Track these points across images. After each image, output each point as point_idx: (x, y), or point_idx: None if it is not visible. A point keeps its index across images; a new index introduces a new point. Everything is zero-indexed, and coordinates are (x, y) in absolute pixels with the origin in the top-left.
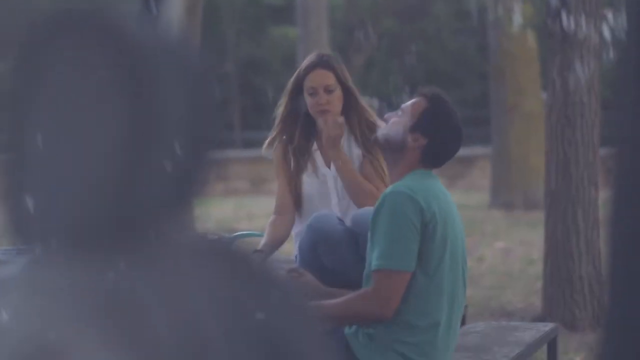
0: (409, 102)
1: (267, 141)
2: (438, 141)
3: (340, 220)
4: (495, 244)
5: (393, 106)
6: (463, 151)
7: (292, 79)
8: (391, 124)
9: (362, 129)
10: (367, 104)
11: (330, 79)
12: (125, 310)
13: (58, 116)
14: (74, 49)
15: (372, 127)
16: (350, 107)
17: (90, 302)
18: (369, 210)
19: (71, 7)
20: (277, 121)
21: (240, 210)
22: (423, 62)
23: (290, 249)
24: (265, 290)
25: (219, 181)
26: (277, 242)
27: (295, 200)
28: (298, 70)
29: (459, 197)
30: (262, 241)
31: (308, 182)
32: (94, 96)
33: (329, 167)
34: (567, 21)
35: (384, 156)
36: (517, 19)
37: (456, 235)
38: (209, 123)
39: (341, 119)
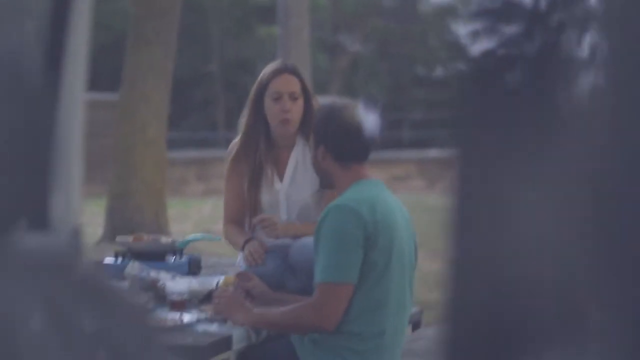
0: None
1: (232, 154)
2: (330, 138)
3: (272, 256)
4: None
5: (378, 106)
6: (443, 153)
7: (254, 87)
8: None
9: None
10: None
11: (296, 85)
12: None
13: None
14: None
15: None
16: (307, 120)
17: None
18: (302, 241)
19: None
20: (240, 133)
21: (219, 210)
22: (409, 64)
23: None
24: (98, 299)
25: (200, 181)
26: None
27: (250, 212)
28: (260, 77)
29: (438, 199)
30: (241, 237)
31: (263, 192)
32: None
33: (281, 182)
34: None
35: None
36: None
37: (402, 241)
38: (40, 128)
39: (264, 246)
